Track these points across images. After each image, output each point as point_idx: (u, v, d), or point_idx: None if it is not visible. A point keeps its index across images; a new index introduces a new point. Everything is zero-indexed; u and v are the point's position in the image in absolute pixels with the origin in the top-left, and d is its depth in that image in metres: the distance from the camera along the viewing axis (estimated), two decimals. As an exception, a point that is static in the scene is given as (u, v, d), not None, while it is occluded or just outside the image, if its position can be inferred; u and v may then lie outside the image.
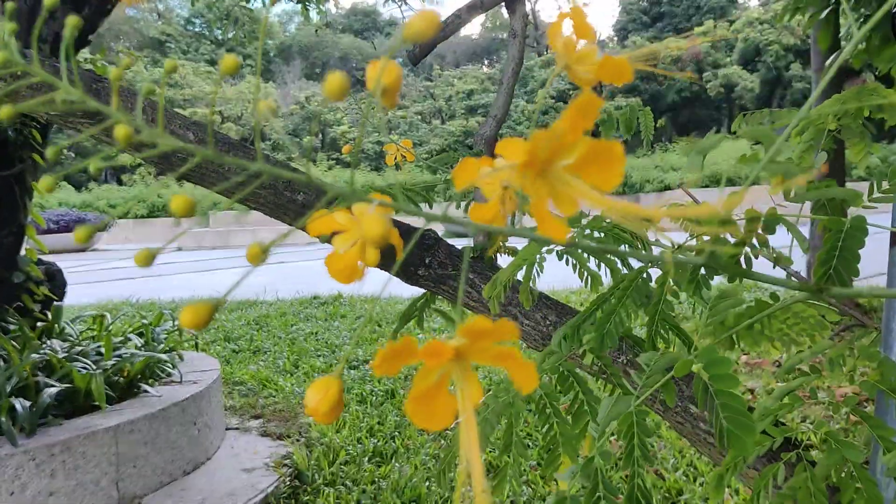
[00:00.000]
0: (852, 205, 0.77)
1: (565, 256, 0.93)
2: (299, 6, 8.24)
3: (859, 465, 0.90)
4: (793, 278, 1.15)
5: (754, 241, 0.72)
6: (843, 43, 6.01)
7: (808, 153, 1.08)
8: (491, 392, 1.08)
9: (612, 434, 0.85)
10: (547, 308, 1.27)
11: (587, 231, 0.90)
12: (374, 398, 4.91)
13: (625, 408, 0.75)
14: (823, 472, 0.89)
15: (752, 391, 4.57)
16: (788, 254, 1.14)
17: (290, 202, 1.19)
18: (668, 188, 27.80)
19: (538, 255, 0.89)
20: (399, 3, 10.12)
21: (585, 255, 0.91)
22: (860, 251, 0.79)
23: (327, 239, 0.70)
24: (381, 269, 1.32)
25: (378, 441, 4.09)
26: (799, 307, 1.22)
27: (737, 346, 0.99)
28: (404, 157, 1.59)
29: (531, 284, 0.94)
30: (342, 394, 0.53)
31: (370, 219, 0.49)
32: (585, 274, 0.91)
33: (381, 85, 0.57)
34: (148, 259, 0.54)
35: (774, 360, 5.03)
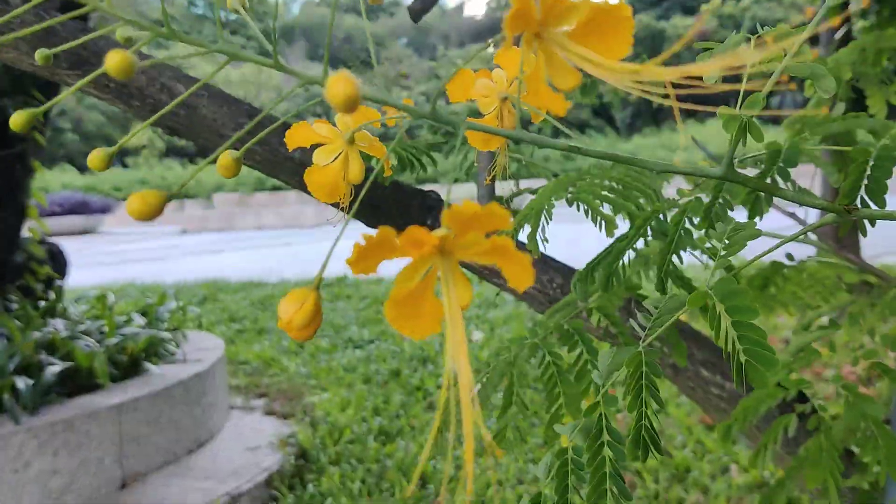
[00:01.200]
0: (882, 136, 0.73)
1: (576, 203, 0.89)
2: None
3: (880, 420, 0.86)
4: (811, 235, 1.12)
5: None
6: (853, 18, 5.92)
7: (823, 103, 1.04)
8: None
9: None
10: (553, 270, 1.23)
11: (605, 182, 0.87)
12: (379, 377, 4.89)
13: (630, 354, 0.71)
14: (840, 433, 0.86)
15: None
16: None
17: (286, 159, 1.16)
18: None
19: (547, 204, 0.86)
20: None
21: (598, 201, 0.87)
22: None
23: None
24: (361, 219, 1.27)
25: (383, 420, 4.08)
26: (814, 268, 1.19)
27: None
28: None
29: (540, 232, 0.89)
30: (320, 307, 0.49)
31: (336, 78, 0.43)
32: (599, 219, 0.88)
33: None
34: (103, 160, 0.50)
35: (782, 338, 4.99)
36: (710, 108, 0.47)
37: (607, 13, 0.46)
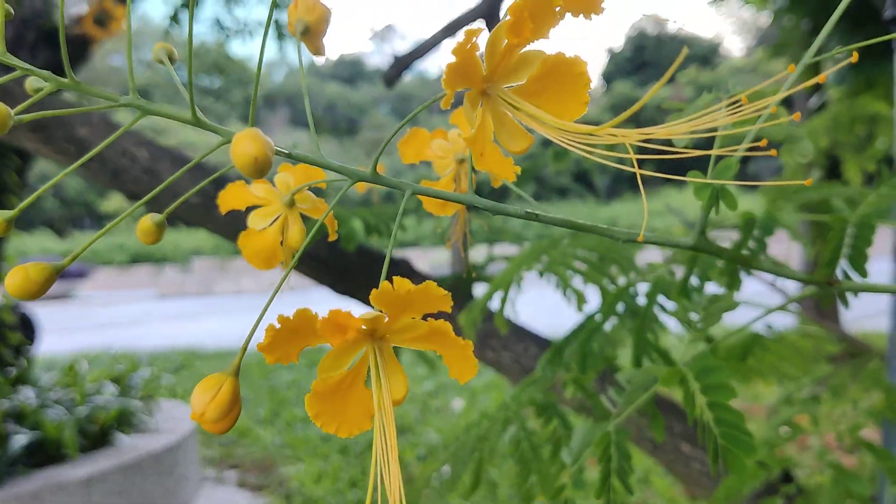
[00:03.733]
0: (858, 205, 0.71)
1: (547, 274, 0.87)
2: (283, 55, 8.27)
3: (866, 498, 0.83)
4: (792, 307, 1.10)
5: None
6: (826, 85, 6.06)
7: (799, 171, 1.04)
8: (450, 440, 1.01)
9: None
10: (528, 339, 1.21)
11: (577, 251, 0.84)
12: (357, 448, 4.79)
13: (598, 435, 0.67)
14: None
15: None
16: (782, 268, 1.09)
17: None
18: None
19: (516, 276, 0.83)
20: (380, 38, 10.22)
21: (569, 272, 0.85)
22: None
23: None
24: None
25: (360, 493, 3.97)
26: (794, 338, 1.17)
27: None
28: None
29: (510, 307, 0.87)
30: (238, 395, 0.42)
31: (242, 135, 0.39)
32: (568, 291, 0.85)
33: (302, 23, 0.51)
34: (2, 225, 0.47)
35: (765, 404, 4.95)
36: (677, 178, 0.45)
37: (561, 68, 0.42)
